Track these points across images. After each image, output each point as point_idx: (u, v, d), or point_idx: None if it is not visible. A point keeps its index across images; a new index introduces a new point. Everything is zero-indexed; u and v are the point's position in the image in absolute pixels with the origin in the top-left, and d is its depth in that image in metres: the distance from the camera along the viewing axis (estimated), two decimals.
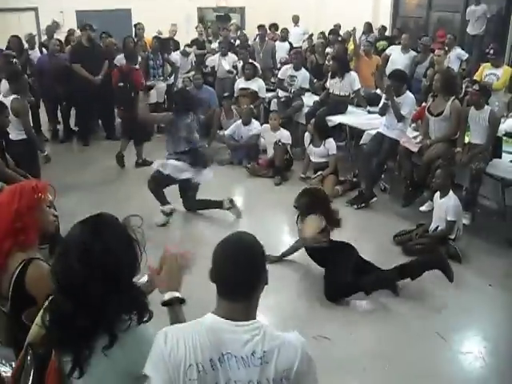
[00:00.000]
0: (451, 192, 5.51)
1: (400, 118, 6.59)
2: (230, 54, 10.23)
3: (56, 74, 9.10)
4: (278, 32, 12.57)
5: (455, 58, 9.45)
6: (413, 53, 9.62)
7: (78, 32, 10.19)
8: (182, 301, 2.05)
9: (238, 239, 1.91)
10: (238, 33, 12.70)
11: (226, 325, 1.77)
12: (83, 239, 1.81)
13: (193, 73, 9.90)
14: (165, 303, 2.03)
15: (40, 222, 2.47)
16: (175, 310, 2.03)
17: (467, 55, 9.70)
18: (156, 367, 1.71)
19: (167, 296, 2.04)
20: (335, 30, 11.94)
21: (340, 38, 11.06)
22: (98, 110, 9.58)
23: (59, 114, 9.85)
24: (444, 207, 5.44)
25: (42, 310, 1.95)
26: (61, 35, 11.04)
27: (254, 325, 1.79)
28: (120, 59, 9.25)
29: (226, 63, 10.03)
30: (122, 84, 8.14)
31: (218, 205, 6.39)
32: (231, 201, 6.37)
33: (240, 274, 1.79)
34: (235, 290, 1.81)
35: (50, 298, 1.90)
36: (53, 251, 2.73)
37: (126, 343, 1.79)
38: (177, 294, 2.05)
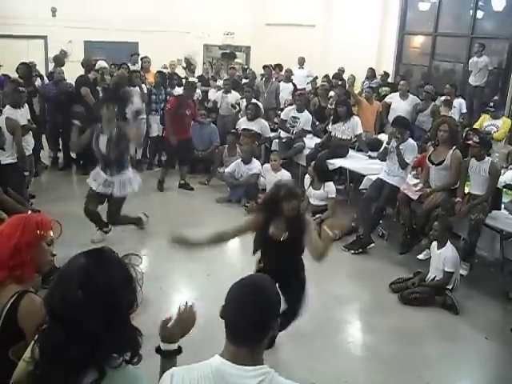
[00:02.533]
0: (449, 243, 5.50)
1: (404, 165, 6.62)
2: (233, 91, 10.30)
3: (57, 100, 9.16)
4: (282, 72, 12.69)
5: (457, 107, 9.55)
6: (413, 98, 9.72)
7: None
8: (179, 352, 2.07)
9: (254, 284, 1.91)
10: (241, 72, 12.77)
11: (234, 369, 1.78)
12: (86, 266, 1.71)
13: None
14: (162, 352, 2.03)
15: (37, 260, 2.41)
16: (170, 360, 2.05)
17: (465, 110, 9.86)
18: None
19: (166, 346, 2.06)
20: (338, 74, 12.06)
21: (340, 82, 11.12)
22: None
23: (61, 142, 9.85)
24: (442, 258, 5.41)
25: (32, 342, 1.80)
26: (67, 65, 11.11)
27: (260, 370, 1.80)
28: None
29: (231, 98, 10.13)
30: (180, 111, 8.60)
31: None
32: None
33: (245, 319, 1.79)
34: (240, 334, 1.82)
35: (42, 328, 1.76)
36: (46, 281, 2.68)
37: (115, 382, 1.70)
38: (175, 347, 2.09)
